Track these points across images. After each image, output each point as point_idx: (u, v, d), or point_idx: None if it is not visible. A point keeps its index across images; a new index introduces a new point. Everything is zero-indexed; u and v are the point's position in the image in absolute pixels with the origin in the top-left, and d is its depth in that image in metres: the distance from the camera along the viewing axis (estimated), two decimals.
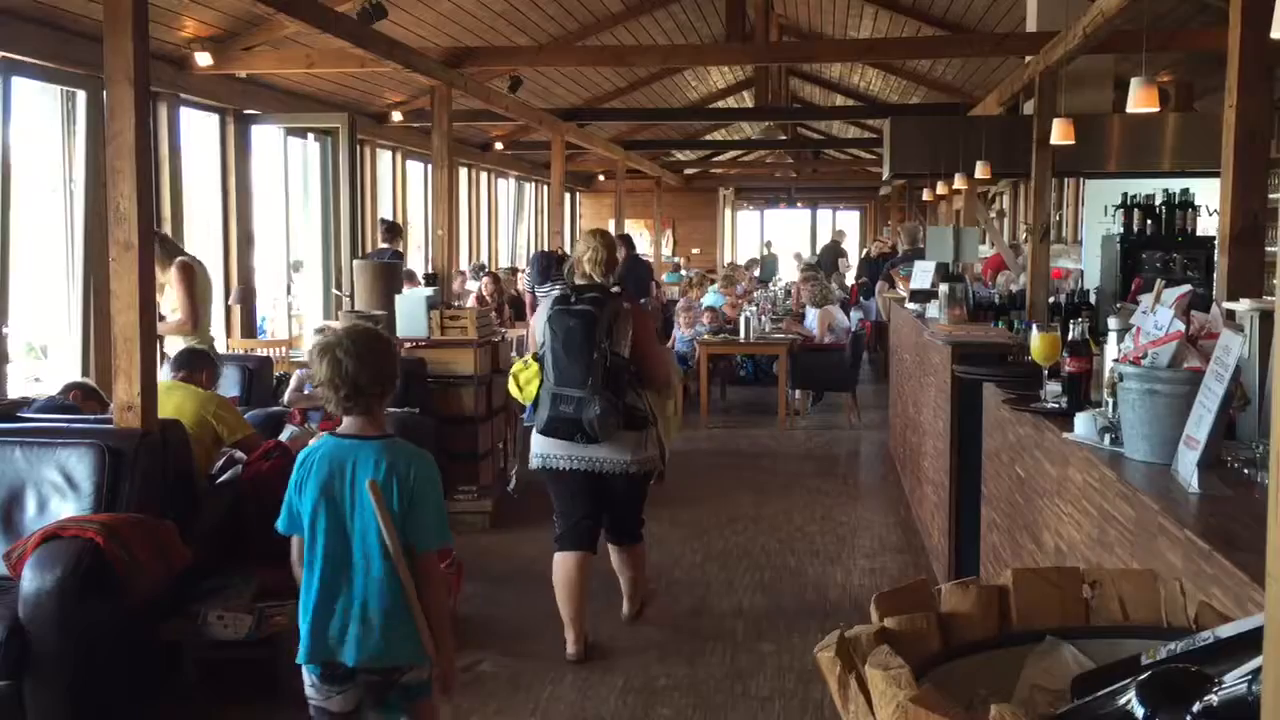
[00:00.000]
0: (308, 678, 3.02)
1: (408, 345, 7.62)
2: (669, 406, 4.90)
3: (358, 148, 10.92)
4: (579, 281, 4.77)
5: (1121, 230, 7.93)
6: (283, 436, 6.44)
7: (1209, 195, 7.28)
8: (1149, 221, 7.86)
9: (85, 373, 7.41)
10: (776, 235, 27.86)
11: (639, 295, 10.67)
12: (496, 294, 11.33)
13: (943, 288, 7.25)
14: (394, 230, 10.98)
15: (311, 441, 2.95)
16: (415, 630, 2.92)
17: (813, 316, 11.60)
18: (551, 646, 4.87)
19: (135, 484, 4.26)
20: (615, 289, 4.76)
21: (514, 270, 13.26)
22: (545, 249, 13.12)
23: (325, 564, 2.93)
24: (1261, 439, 2.64)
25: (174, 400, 4.94)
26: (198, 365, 5.42)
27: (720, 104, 18.77)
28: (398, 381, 3.11)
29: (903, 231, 14.24)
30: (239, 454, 5.13)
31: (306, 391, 7.01)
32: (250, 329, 9.89)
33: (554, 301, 4.70)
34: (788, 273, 21.69)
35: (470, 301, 11.25)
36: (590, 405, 4.51)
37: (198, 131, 9.40)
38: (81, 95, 7.54)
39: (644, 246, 23.41)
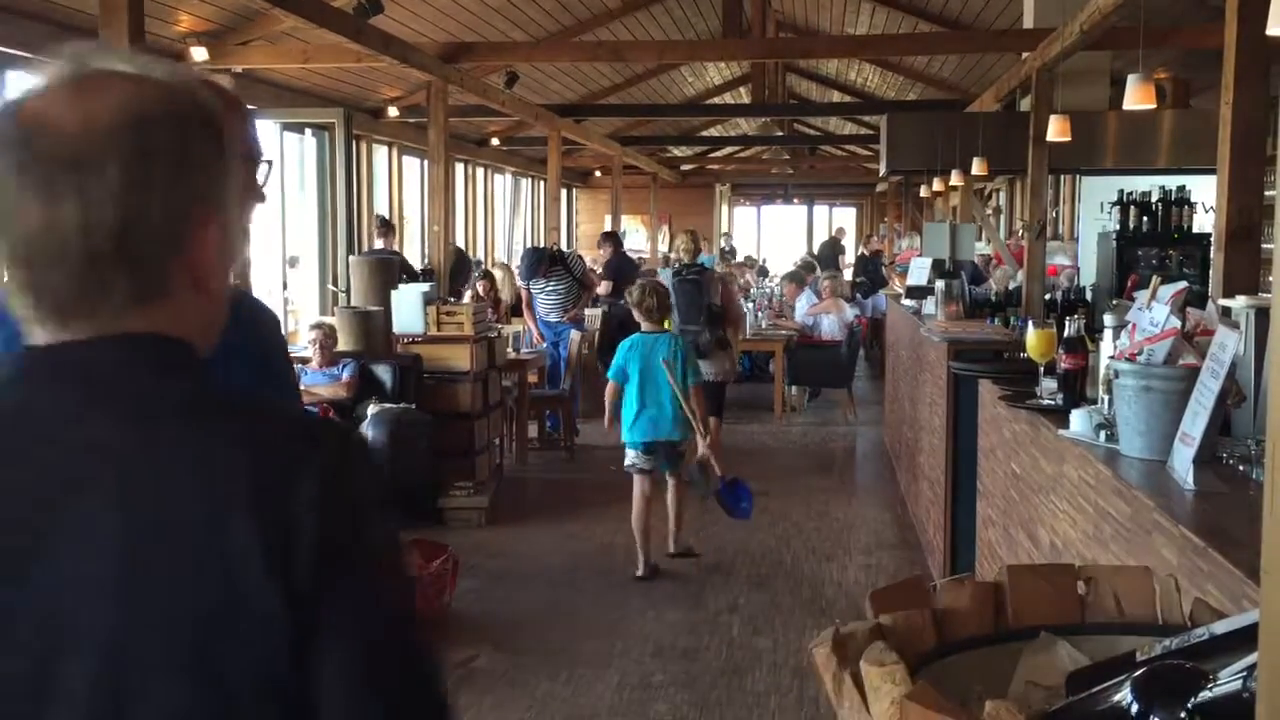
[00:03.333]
0: (631, 452, 5.82)
1: (404, 341, 7.62)
2: (739, 339, 8.53)
3: (354, 143, 10.92)
4: (685, 261, 7.78)
5: (1117, 227, 7.94)
6: None
7: (1205, 192, 7.29)
8: (1145, 218, 7.86)
9: None
10: (773, 231, 27.87)
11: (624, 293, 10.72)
12: (491, 291, 11.33)
13: (939, 284, 7.26)
14: (388, 228, 10.97)
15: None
16: (686, 422, 5.79)
17: (803, 305, 11.60)
18: (547, 642, 4.87)
19: None
20: (705, 265, 8.05)
21: (505, 267, 13.23)
22: (536, 245, 13.12)
23: (642, 391, 5.74)
24: (1257, 435, 2.64)
25: None
26: None
27: (717, 100, 18.76)
28: (668, 305, 6.46)
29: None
30: None
31: (302, 387, 7.01)
32: None
33: (673, 275, 7.68)
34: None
35: (466, 297, 11.24)
36: (702, 334, 7.42)
37: None
38: None
39: (640, 242, 23.43)
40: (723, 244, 23.44)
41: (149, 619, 0.90)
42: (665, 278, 7.66)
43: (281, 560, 0.92)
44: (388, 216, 12.13)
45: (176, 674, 0.91)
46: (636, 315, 6.04)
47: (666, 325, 6.71)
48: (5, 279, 0.98)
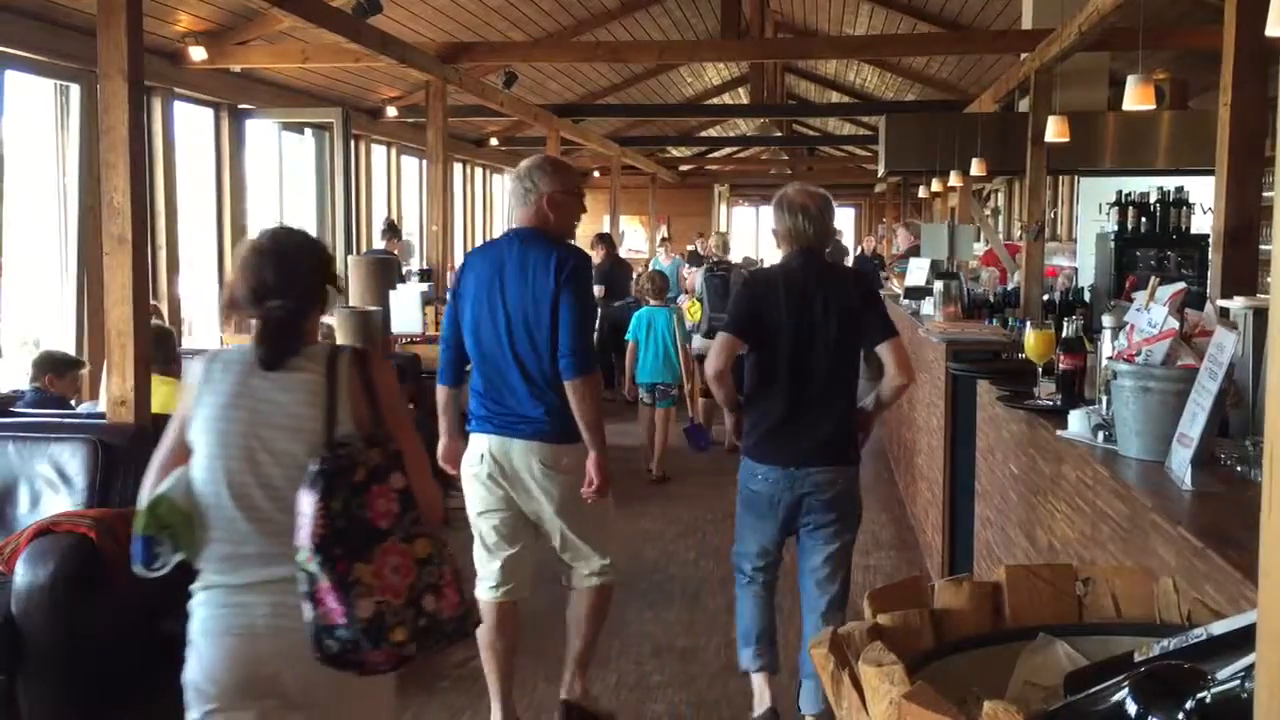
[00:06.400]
0: (640, 390, 8.08)
1: (403, 341, 7.62)
2: None
3: (352, 143, 10.92)
4: (717, 258, 10.15)
5: (1116, 228, 7.95)
6: None
7: (1203, 193, 7.29)
8: (1143, 219, 7.87)
9: None
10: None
11: (618, 296, 10.76)
12: None
13: (937, 285, 7.26)
14: (393, 231, 10.96)
15: None
16: (673, 369, 8.02)
17: None
18: (546, 643, 4.86)
19: (128, 479, 4.24)
20: (733, 261, 10.56)
21: None
22: None
23: (645, 347, 7.96)
24: (1255, 436, 2.64)
25: (161, 394, 4.89)
26: (172, 352, 5.28)
27: (715, 100, 18.75)
28: (665, 287, 8.57)
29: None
30: None
31: None
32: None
33: (704, 270, 9.39)
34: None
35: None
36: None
37: (192, 126, 9.38)
38: (75, 89, 7.52)
39: (639, 242, 23.42)
40: (696, 245, 22.88)
41: (834, 310, 3.76)
42: (700, 273, 9.81)
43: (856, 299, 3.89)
44: (390, 218, 12.12)
45: (837, 326, 3.78)
46: (646, 294, 8.25)
47: (693, 316, 9.27)
48: (784, 246, 3.89)
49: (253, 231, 10.02)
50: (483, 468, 3.75)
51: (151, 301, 7.76)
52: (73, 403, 5.83)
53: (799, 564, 3.95)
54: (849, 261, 20.91)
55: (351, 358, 2.46)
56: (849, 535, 3.95)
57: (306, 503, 2.21)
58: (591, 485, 3.76)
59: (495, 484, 3.76)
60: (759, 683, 3.98)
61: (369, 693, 2.43)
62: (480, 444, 3.77)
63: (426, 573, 2.29)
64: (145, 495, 2.41)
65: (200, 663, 2.40)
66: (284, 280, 2.48)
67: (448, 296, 3.85)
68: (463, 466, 3.82)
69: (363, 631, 2.19)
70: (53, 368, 5.64)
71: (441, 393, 3.95)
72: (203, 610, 2.40)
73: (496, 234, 18.89)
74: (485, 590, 3.91)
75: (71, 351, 7.56)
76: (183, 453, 2.45)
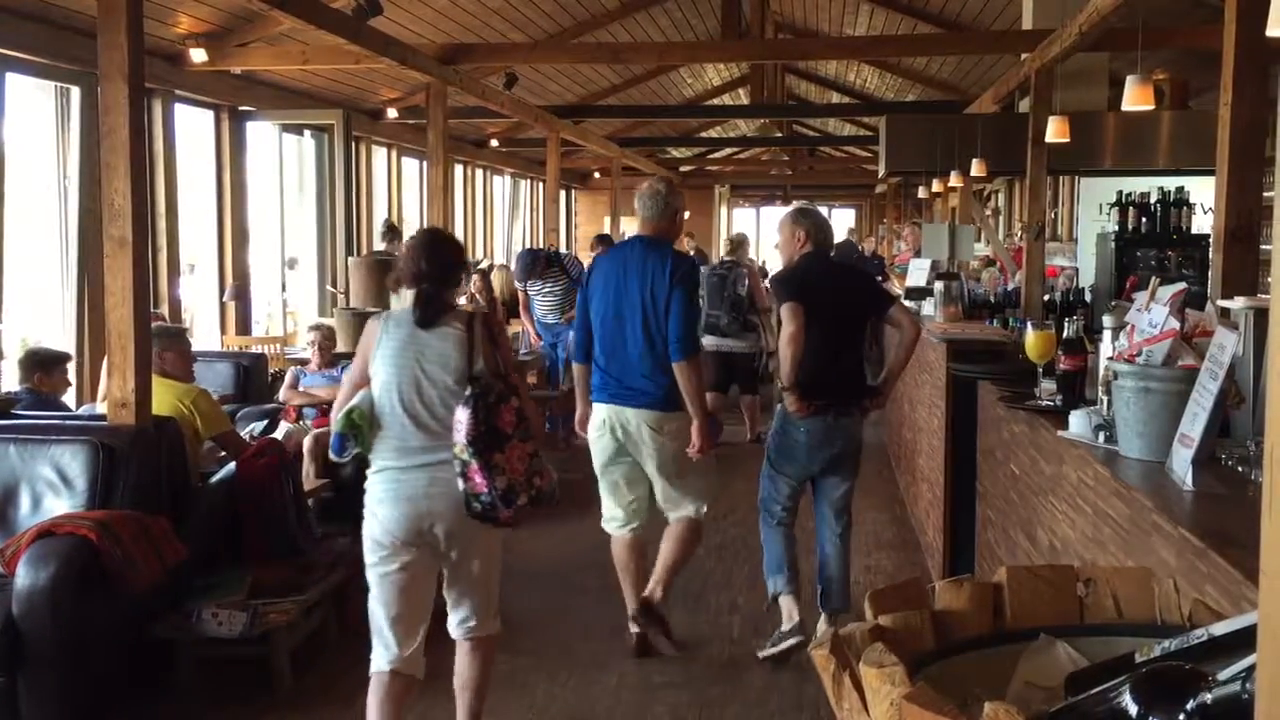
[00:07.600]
0: None
1: None
2: (769, 321, 9.25)
3: (353, 144, 10.92)
4: (724, 257, 9.56)
5: (1116, 228, 7.95)
6: (277, 433, 6.43)
7: (1204, 193, 7.29)
8: (1144, 219, 7.87)
9: (79, 369, 7.37)
10: (772, 233, 27.86)
11: None
12: (485, 291, 11.31)
13: (938, 285, 7.25)
14: (393, 232, 10.97)
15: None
16: None
17: None
18: (548, 643, 4.87)
19: (129, 481, 4.25)
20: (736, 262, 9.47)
21: (505, 268, 13.16)
22: (531, 247, 13.09)
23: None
24: (1256, 437, 2.64)
25: (159, 394, 4.84)
26: (164, 344, 5.07)
27: (716, 101, 18.75)
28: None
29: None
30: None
31: (300, 388, 7.00)
32: (245, 326, 9.88)
33: (708, 270, 9.08)
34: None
35: (462, 299, 11.23)
36: (722, 318, 8.85)
37: (192, 128, 9.39)
38: (76, 91, 7.52)
39: None
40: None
41: (852, 292, 4.84)
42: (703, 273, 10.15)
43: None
44: (390, 219, 12.12)
45: (854, 304, 4.81)
46: None
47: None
48: (806, 246, 4.71)
49: (253, 232, 10.06)
50: (604, 430, 4.61)
51: (154, 310, 7.78)
52: (69, 395, 5.79)
53: (815, 504, 4.91)
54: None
55: (482, 319, 3.52)
56: (856, 477, 4.97)
57: (463, 415, 3.28)
58: (694, 446, 4.56)
59: (614, 442, 4.60)
60: (787, 604, 4.68)
61: (489, 537, 3.52)
62: (601, 411, 4.62)
63: (535, 462, 3.40)
64: (338, 408, 3.46)
65: (378, 522, 3.40)
66: (432, 267, 3.48)
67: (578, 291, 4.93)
68: (589, 429, 4.69)
69: (499, 497, 3.28)
70: (41, 366, 5.60)
71: (577, 369, 4.81)
72: (379, 486, 3.42)
73: (496, 234, 19.10)
74: (614, 528, 4.80)
75: (72, 354, 7.57)
76: (364, 380, 3.48)
